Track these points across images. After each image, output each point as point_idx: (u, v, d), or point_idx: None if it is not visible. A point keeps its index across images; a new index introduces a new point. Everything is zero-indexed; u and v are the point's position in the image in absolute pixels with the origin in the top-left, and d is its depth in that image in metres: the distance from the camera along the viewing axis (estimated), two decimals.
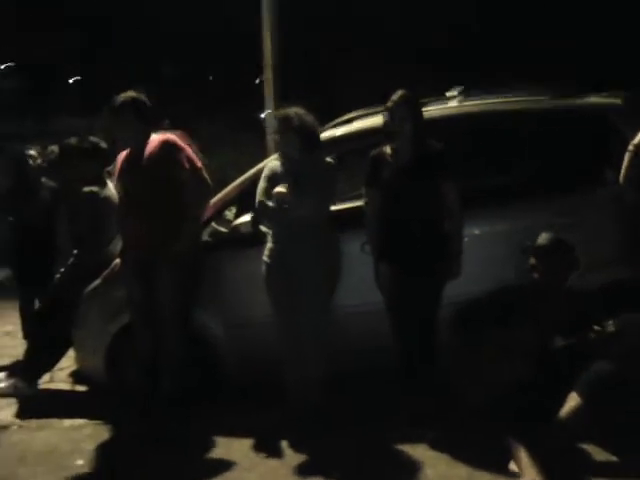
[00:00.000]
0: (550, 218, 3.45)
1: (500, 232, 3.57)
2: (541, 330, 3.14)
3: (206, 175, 3.60)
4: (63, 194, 4.66)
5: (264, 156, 9.39)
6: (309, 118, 3.48)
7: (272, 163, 3.57)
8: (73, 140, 4.60)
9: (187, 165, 3.52)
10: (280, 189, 3.29)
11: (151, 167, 3.51)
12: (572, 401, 2.82)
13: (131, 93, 3.63)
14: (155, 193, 3.47)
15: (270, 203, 3.35)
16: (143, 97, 3.64)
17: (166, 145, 3.54)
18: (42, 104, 21.21)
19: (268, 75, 8.87)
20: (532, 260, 3.24)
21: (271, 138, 8.94)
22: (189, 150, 3.58)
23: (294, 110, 3.47)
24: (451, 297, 3.36)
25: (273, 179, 3.44)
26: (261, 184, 3.48)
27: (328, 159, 3.48)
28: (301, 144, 3.42)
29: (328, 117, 4.46)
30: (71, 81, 24.38)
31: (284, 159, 3.51)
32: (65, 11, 21.46)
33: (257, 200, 3.45)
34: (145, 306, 3.58)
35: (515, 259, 3.39)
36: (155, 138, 3.59)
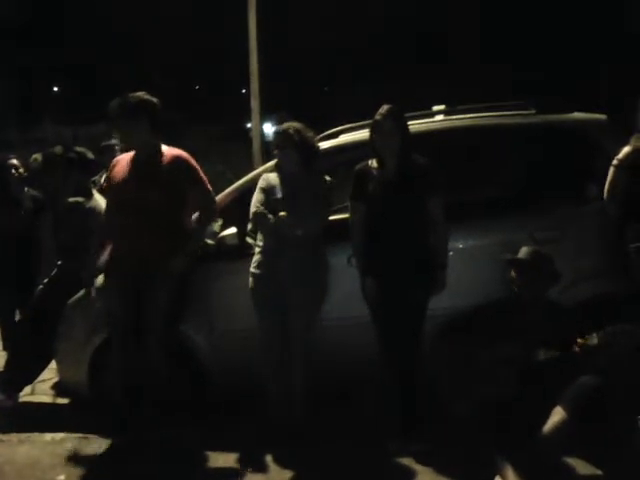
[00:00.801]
0: (533, 232, 3.48)
1: (484, 246, 3.60)
2: (525, 343, 3.16)
3: (214, 197, 3.60)
4: (50, 204, 4.61)
5: (250, 167, 9.45)
6: (309, 134, 3.50)
7: (268, 175, 3.58)
8: (58, 149, 4.56)
9: (198, 185, 3.49)
10: (283, 214, 3.32)
11: (165, 180, 3.42)
12: (556, 415, 2.83)
13: (142, 94, 3.49)
14: (163, 206, 3.40)
15: (268, 215, 3.36)
16: (154, 100, 3.51)
17: (182, 161, 3.48)
18: (27, 112, 21.08)
19: (254, 86, 8.94)
20: (512, 273, 3.26)
21: (257, 149, 9.01)
22: (200, 170, 3.53)
23: (294, 125, 3.47)
24: (436, 310, 3.37)
25: (269, 191, 3.46)
26: (257, 195, 3.49)
27: (327, 177, 3.50)
28: (300, 160, 3.44)
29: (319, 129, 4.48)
30: (56, 89, 24.27)
31: (281, 174, 3.51)
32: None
33: (252, 211, 3.45)
34: (127, 321, 3.50)
35: (498, 273, 3.41)
36: (169, 150, 3.51)
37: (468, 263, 3.58)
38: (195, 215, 3.60)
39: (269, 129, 25.59)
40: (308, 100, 21.55)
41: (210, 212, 3.58)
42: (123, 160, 3.60)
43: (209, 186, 3.54)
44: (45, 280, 4.34)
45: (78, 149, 4.51)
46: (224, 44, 19.87)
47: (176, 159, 3.47)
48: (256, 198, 3.47)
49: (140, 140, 3.48)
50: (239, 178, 4.06)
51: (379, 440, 3.34)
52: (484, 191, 3.71)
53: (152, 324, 3.45)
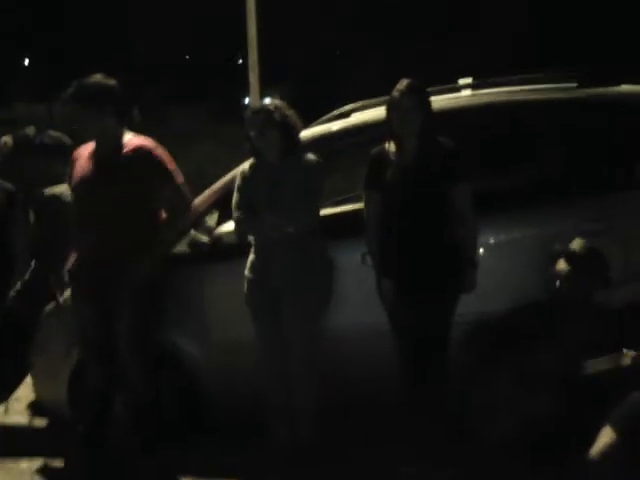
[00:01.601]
0: (579, 224, 3.43)
1: (519, 240, 3.55)
2: (566, 354, 3.13)
3: (186, 191, 3.55)
4: (23, 197, 4.60)
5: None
6: (291, 113, 3.43)
7: (244, 169, 3.51)
8: (30, 130, 4.53)
9: (165, 177, 3.46)
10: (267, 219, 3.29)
11: (124, 173, 3.40)
12: (604, 437, 2.79)
13: (101, 78, 3.48)
14: (125, 202, 3.39)
15: (249, 219, 3.34)
16: (116, 84, 3.51)
17: (145, 152, 3.44)
18: None
19: (252, 57, 8.89)
20: (560, 265, 3.22)
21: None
22: (169, 160, 3.50)
23: (274, 103, 3.43)
24: (464, 315, 3.34)
25: (247, 189, 3.42)
26: (235, 196, 3.46)
27: (312, 157, 3.43)
28: (282, 144, 3.38)
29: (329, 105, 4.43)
30: (27, 63, 24.30)
31: (259, 163, 3.46)
32: None
33: (233, 211, 3.44)
34: (97, 333, 3.51)
35: (536, 271, 3.38)
36: (130, 140, 3.48)
37: (501, 260, 3.53)
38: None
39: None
40: (316, 69, 21.45)
41: (180, 208, 3.52)
42: (84, 152, 3.58)
43: (179, 178, 3.50)
44: (18, 283, 4.34)
45: (53, 133, 4.49)
46: (215, 8, 19.80)
47: (138, 150, 3.44)
48: (234, 198, 3.44)
49: (98, 130, 3.46)
50: (237, 163, 4.03)
51: (398, 463, 3.32)
52: (518, 177, 3.65)
53: (123, 335, 3.46)
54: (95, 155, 3.52)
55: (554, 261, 3.30)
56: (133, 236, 3.42)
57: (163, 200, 3.53)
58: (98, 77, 3.49)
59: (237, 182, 3.49)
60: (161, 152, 3.48)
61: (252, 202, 3.39)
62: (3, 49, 22.62)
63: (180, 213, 3.54)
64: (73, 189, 3.59)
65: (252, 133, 3.41)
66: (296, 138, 3.44)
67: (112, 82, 3.50)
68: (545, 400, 3.26)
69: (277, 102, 3.45)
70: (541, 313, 3.35)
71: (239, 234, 3.56)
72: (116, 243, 3.42)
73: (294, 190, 3.34)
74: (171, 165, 3.50)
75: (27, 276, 4.32)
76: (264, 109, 3.42)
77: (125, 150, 3.45)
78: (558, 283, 3.24)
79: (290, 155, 3.40)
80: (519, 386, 3.39)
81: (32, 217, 4.53)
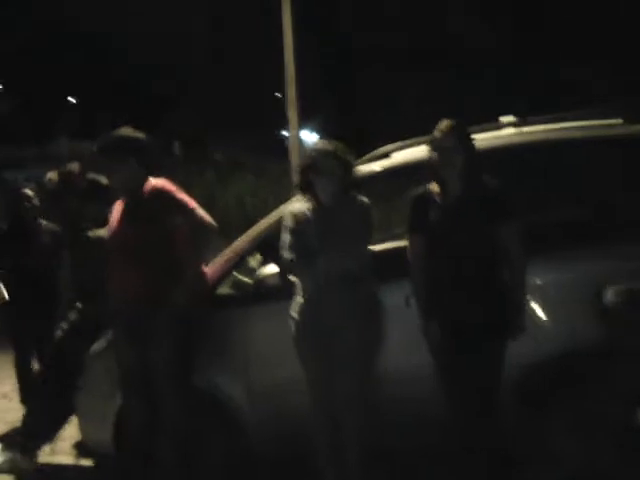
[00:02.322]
0: (630, 263, 3.32)
1: (571, 281, 3.44)
2: (623, 401, 3.01)
3: (204, 213, 3.59)
4: (69, 240, 4.67)
5: (288, 182, 9.45)
6: (350, 156, 3.42)
7: (294, 209, 3.46)
8: (74, 166, 4.62)
9: (180, 208, 3.55)
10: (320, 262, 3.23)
11: (145, 214, 3.52)
12: None
13: (128, 131, 3.62)
14: (149, 242, 3.48)
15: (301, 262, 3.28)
16: (142, 137, 3.63)
17: (160, 191, 3.57)
18: (40, 127, 21.73)
19: (291, 93, 8.96)
20: (613, 312, 3.12)
21: (295, 161, 9.01)
22: (179, 192, 3.59)
23: (335, 145, 3.40)
24: (513, 360, 3.24)
25: (298, 230, 3.35)
26: (283, 236, 3.40)
27: (363, 199, 3.41)
28: (341, 187, 3.36)
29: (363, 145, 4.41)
30: (73, 101, 24.99)
31: (312, 203, 3.43)
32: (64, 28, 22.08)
33: (282, 257, 3.38)
34: (139, 374, 3.54)
35: (589, 313, 3.28)
36: (149, 183, 3.61)
37: (551, 302, 3.43)
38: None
39: (307, 137, 25.73)
40: (351, 100, 21.59)
41: (204, 231, 3.57)
42: (118, 201, 3.74)
43: (198, 209, 3.57)
44: (64, 324, 4.39)
45: (90, 176, 4.57)
46: (254, 43, 20.13)
47: (154, 190, 3.56)
48: (283, 240, 3.39)
49: (122, 180, 3.60)
50: (277, 196, 4.03)
51: None
52: (566, 216, 3.57)
53: (160, 370, 3.48)
54: (123, 202, 3.69)
55: (606, 303, 3.20)
56: (162, 273, 3.48)
57: (188, 235, 3.58)
58: (126, 130, 3.64)
59: (287, 222, 3.42)
60: (174, 189, 3.59)
61: (304, 244, 3.32)
62: (50, 87, 23.36)
63: (206, 238, 3.60)
64: (108, 235, 3.75)
65: (312, 175, 3.36)
66: (354, 181, 3.41)
67: (139, 135, 3.63)
68: (601, 448, 3.14)
69: (339, 144, 3.40)
70: (594, 357, 3.24)
71: (288, 275, 3.51)
72: (148, 282, 3.48)
73: (348, 232, 3.30)
74: (186, 199, 3.59)
75: (73, 317, 4.36)
76: (331, 152, 3.36)
77: (145, 192, 3.57)
78: (615, 332, 3.12)
79: (344, 196, 3.38)
80: (573, 433, 3.28)
81: (74, 258, 4.60)
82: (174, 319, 3.45)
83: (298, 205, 3.48)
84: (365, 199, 3.41)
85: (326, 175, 3.34)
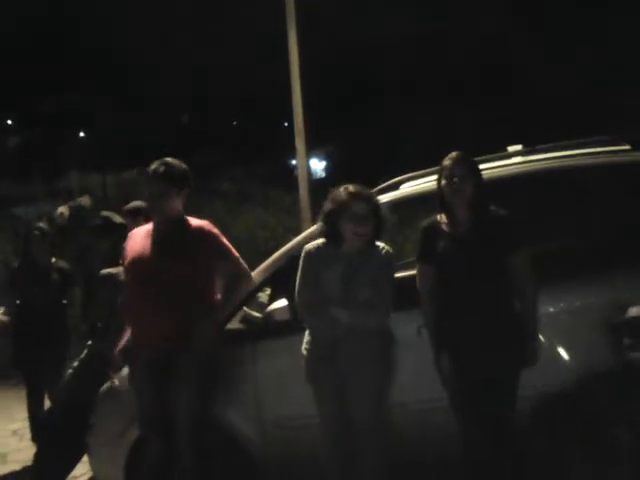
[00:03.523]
0: None
1: (583, 308, 3.42)
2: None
3: (244, 264, 3.63)
4: (79, 276, 4.69)
5: (297, 212, 9.46)
6: (378, 200, 3.34)
7: (311, 250, 3.35)
8: (85, 200, 4.66)
9: (223, 254, 3.57)
10: (339, 314, 3.16)
11: (189, 252, 3.49)
12: None
13: (180, 162, 3.62)
14: (183, 280, 3.44)
15: (321, 311, 3.19)
16: (189, 171, 3.64)
17: (206, 232, 3.57)
18: (50, 161, 21.94)
19: (298, 123, 9.02)
20: (629, 334, 3.09)
21: (304, 195, 9.02)
22: (223, 237, 3.61)
23: (366, 188, 3.27)
24: (527, 389, 3.21)
25: (318, 274, 3.24)
26: (300, 279, 3.30)
27: (385, 246, 3.34)
28: (372, 234, 3.26)
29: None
30: (82, 134, 25.27)
31: (332, 248, 3.30)
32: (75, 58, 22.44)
33: (297, 299, 3.30)
34: (158, 413, 3.50)
35: (603, 340, 3.25)
36: (192, 221, 3.61)
37: (564, 330, 3.41)
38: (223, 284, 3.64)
39: (316, 165, 25.85)
40: (357, 129, 21.74)
41: (241, 278, 3.60)
42: (139, 233, 3.69)
43: (236, 253, 3.61)
44: (74, 363, 4.39)
45: (104, 213, 4.60)
46: (261, 74, 20.35)
47: (199, 230, 3.57)
48: (301, 282, 3.29)
49: (172, 209, 3.56)
50: (286, 228, 4.03)
51: None
52: (578, 244, 3.56)
53: (182, 413, 3.44)
54: (156, 233, 3.59)
55: (620, 329, 3.17)
56: (190, 313, 3.44)
57: (221, 275, 3.61)
58: (180, 163, 3.62)
59: (304, 264, 3.33)
60: (217, 231, 3.61)
61: (323, 291, 3.23)
62: (60, 122, 23.65)
63: (240, 281, 3.61)
64: (128, 268, 3.64)
65: (341, 219, 3.20)
66: (383, 229, 3.30)
67: (188, 169, 3.65)
68: (618, 476, 3.09)
69: (368, 190, 3.28)
70: (610, 384, 3.20)
71: (300, 320, 3.42)
72: (173, 320, 3.43)
73: (371, 283, 3.20)
74: (227, 242, 3.62)
75: (84, 355, 4.36)
76: (371, 199, 3.22)
77: (189, 229, 3.55)
78: (631, 352, 3.09)
79: (372, 244, 3.28)
80: (591, 461, 3.23)
81: (81, 295, 4.61)
82: (201, 359, 3.44)
83: (316, 245, 3.37)
84: (387, 246, 3.33)
85: (358, 219, 3.20)
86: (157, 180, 3.52)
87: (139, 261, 3.55)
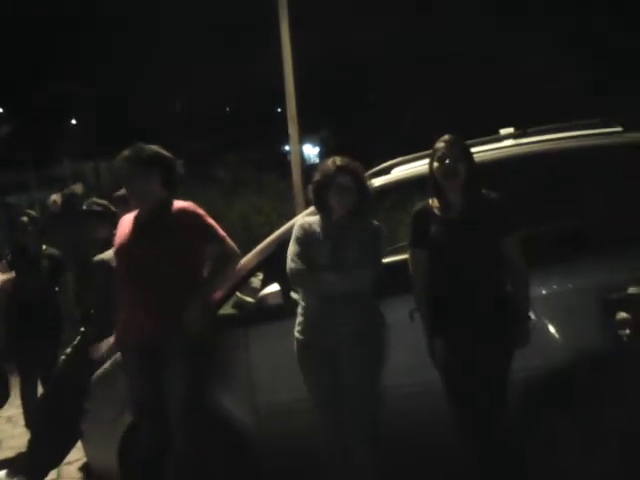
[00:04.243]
0: (633, 271, 3.30)
1: (574, 290, 3.42)
2: (632, 410, 2.98)
3: (232, 243, 3.59)
4: (71, 262, 4.67)
5: (291, 200, 9.44)
6: (364, 172, 3.42)
7: (304, 222, 3.48)
8: (78, 188, 4.65)
9: (210, 234, 3.53)
10: (328, 277, 3.23)
11: (171, 237, 3.45)
12: None
13: (157, 147, 3.61)
14: (167, 264, 3.42)
15: (309, 272, 3.26)
16: (169, 156, 3.61)
17: (188, 214, 3.52)
18: (42, 149, 21.83)
19: (291, 109, 8.98)
20: (621, 315, 3.09)
21: (298, 180, 9.02)
22: (208, 217, 3.57)
23: (355, 164, 3.37)
24: (519, 372, 3.22)
25: (307, 242, 3.36)
26: (292, 247, 3.40)
27: (375, 222, 3.41)
28: (356, 203, 3.34)
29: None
30: (73, 122, 25.13)
31: (325, 219, 3.42)
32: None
33: (289, 267, 3.36)
34: (152, 398, 3.49)
35: (594, 322, 3.26)
36: (175, 204, 3.57)
37: (554, 312, 3.42)
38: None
39: (310, 151, 25.79)
40: (351, 114, 21.68)
41: (228, 258, 3.57)
42: (126, 220, 3.67)
43: (222, 233, 3.56)
44: (67, 349, 4.38)
45: (100, 201, 4.58)
46: (250, 59, 20.25)
47: (182, 211, 3.52)
48: (292, 251, 3.38)
49: (141, 190, 3.53)
50: (279, 213, 4.02)
51: None
52: (569, 226, 3.56)
53: (175, 397, 3.44)
54: (138, 219, 3.60)
55: (611, 311, 3.17)
56: (175, 298, 3.42)
57: (207, 257, 3.57)
58: (154, 146, 3.61)
59: (296, 234, 3.42)
60: (201, 212, 3.56)
61: (312, 258, 3.32)
62: (53, 109, 23.50)
63: (227, 262, 3.58)
64: (115, 254, 3.66)
65: (328, 190, 3.33)
66: (368, 201, 3.39)
67: (167, 153, 3.62)
68: (611, 458, 3.11)
69: (355, 163, 3.38)
70: (602, 365, 3.21)
71: (292, 286, 3.49)
72: (158, 306, 3.42)
73: (359, 251, 3.29)
74: (212, 223, 3.57)
75: (77, 341, 4.35)
76: (352, 169, 3.34)
77: (171, 213, 3.51)
78: (626, 333, 3.08)
79: (357, 217, 3.37)
80: (581, 443, 3.25)
81: (75, 281, 4.59)
82: (190, 344, 3.42)
83: (308, 219, 3.49)
84: (376, 222, 3.42)
85: (342, 190, 3.32)
86: (125, 164, 3.52)
87: (122, 247, 3.57)
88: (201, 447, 3.53)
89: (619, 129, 3.69)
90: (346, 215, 3.37)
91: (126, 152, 3.55)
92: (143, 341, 3.46)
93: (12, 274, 4.75)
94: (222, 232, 3.58)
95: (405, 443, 3.45)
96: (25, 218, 5.01)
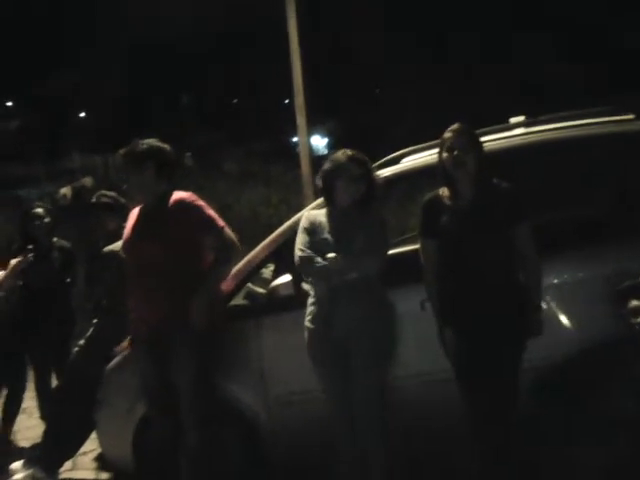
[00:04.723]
0: None
1: (586, 279, 3.41)
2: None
3: (230, 233, 3.57)
4: (82, 254, 4.68)
5: (300, 190, 9.44)
6: (370, 162, 3.46)
7: (311, 214, 3.51)
8: (87, 181, 4.67)
9: (208, 225, 3.51)
10: (332, 255, 3.25)
11: (170, 231, 3.46)
12: None
13: (153, 141, 3.61)
14: (169, 255, 3.41)
15: (316, 259, 3.29)
16: (166, 148, 3.62)
17: (185, 205, 3.51)
18: (51, 142, 21.91)
19: (299, 100, 8.97)
20: (633, 303, 3.08)
21: (306, 171, 9.01)
22: (208, 208, 3.56)
23: (362, 155, 3.43)
24: (532, 361, 3.21)
25: (315, 231, 3.40)
26: (300, 237, 3.42)
27: (380, 213, 3.44)
28: (363, 192, 3.40)
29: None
30: (82, 115, 25.16)
31: (331, 208, 3.46)
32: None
33: (296, 255, 3.38)
34: (163, 389, 3.51)
35: (607, 310, 3.25)
36: (175, 195, 3.56)
37: (566, 301, 3.41)
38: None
39: (318, 142, 25.74)
40: (357, 106, 21.62)
41: (228, 252, 3.54)
42: (134, 213, 3.70)
43: (221, 224, 3.54)
44: (81, 341, 4.40)
45: (109, 193, 4.59)
46: (258, 50, 20.19)
47: (180, 203, 3.51)
48: (299, 240, 3.41)
49: (137, 184, 3.56)
50: (289, 205, 4.03)
51: None
52: (581, 215, 3.54)
53: (184, 386, 3.45)
54: (141, 214, 3.63)
55: (623, 299, 3.16)
56: (180, 291, 3.42)
57: (209, 247, 3.56)
58: (151, 140, 3.62)
59: (304, 224, 3.45)
60: (202, 203, 3.55)
61: (319, 246, 3.35)
62: (61, 103, 23.55)
63: (228, 254, 3.55)
64: (122, 246, 3.70)
65: (335, 179, 3.40)
66: (375, 192, 3.45)
67: (162, 146, 3.62)
68: (623, 447, 3.10)
69: (361, 155, 3.44)
70: (613, 354, 3.20)
71: (301, 273, 3.51)
72: (164, 299, 3.43)
73: (365, 238, 3.32)
74: (210, 213, 3.55)
75: (90, 332, 4.38)
76: (359, 160, 3.41)
77: (169, 206, 3.51)
78: (638, 321, 3.07)
79: (363, 207, 3.43)
80: (592, 432, 3.24)
81: (86, 273, 4.60)
82: (198, 335, 3.42)
83: (314, 211, 3.54)
84: (381, 214, 3.47)
85: (351, 179, 3.37)
86: (122, 160, 3.57)
87: (127, 241, 3.61)
88: (213, 440, 3.54)
89: (631, 117, 3.67)
90: (352, 205, 3.41)
91: (123, 149, 3.60)
92: (150, 333, 3.48)
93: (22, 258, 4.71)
94: (221, 222, 3.56)
95: (410, 432, 3.45)
96: (40, 210, 5.02)
